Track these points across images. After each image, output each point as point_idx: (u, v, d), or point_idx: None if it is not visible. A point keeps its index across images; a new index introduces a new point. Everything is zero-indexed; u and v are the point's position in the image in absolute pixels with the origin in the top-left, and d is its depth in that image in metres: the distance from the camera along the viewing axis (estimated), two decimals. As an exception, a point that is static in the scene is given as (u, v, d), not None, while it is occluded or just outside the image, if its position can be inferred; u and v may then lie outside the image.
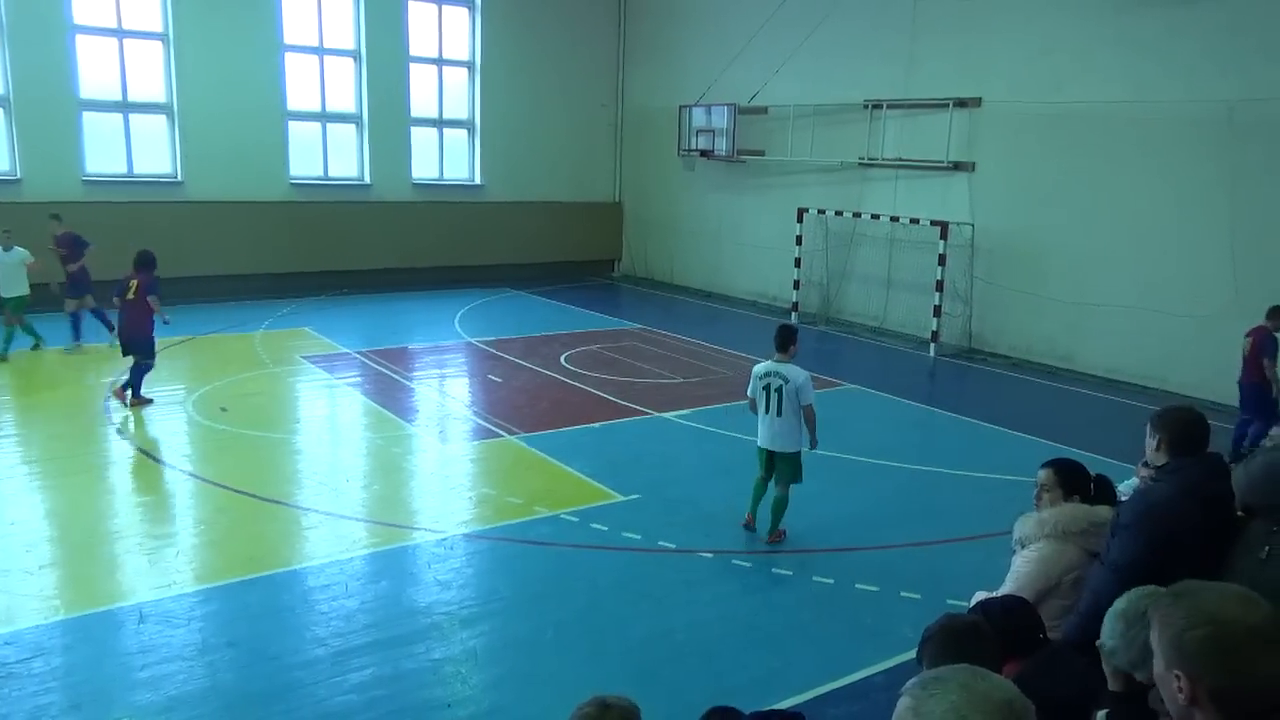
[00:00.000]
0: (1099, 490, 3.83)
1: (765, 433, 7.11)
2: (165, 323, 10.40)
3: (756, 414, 7.17)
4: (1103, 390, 12.29)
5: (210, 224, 16.49)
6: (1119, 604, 2.35)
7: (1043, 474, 3.91)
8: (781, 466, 7.08)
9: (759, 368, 7.18)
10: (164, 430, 9.66)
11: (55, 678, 5.13)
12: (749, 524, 7.33)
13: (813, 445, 7.15)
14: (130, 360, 10.14)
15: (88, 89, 15.70)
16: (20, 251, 12.13)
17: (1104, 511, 3.65)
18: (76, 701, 4.92)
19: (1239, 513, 3.24)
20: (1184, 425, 3.40)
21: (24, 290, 12.08)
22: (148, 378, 10.24)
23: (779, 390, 6.94)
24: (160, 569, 6.48)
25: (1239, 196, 11.33)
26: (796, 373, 6.98)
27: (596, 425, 10.11)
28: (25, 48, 14.93)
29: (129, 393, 10.03)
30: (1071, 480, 3.85)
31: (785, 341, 7.10)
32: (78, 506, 7.64)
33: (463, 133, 19.56)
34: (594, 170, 21.00)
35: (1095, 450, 8.16)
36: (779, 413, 6.97)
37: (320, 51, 17.63)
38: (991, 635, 2.77)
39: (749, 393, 7.24)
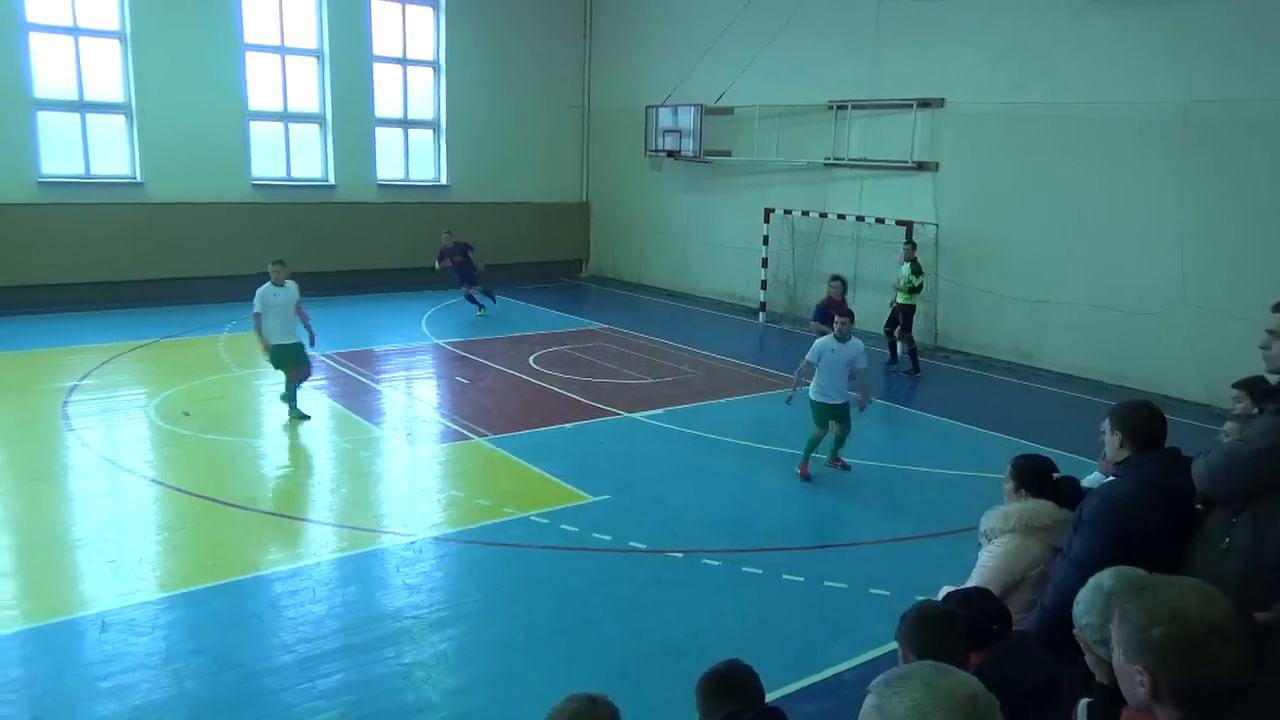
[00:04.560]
0: (1067, 490, 3.88)
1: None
2: None
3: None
4: (1063, 386, 12.49)
5: (171, 226, 16.23)
6: (1101, 585, 2.41)
7: (1010, 470, 3.98)
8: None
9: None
10: (126, 435, 9.50)
11: (15, 690, 5.02)
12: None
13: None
14: None
15: (42, 88, 15.39)
16: (294, 288, 9.86)
17: (1069, 510, 3.71)
18: (38, 714, 4.83)
19: (1198, 505, 3.30)
20: (1143, 420, 3.44)
21: (296, 337, 9.84)
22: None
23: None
24: (123, 576, 6.37)
25: (1189, 196, 11.57)
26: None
27: (565, 426, 10.09)
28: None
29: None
30: (1025, 477, 3.91)
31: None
32: (37, 513, 7.48)
33: (428, 133, 19.43)
34: (561, 170, 20.95)
35: (1058, 445, 8.28)
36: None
37: (282, 51, 17.43)
38: (963, 628, 2.84)
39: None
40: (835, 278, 11.21)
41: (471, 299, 16.21)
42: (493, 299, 16.39)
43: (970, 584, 3.68)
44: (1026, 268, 13.39)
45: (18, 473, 8.44)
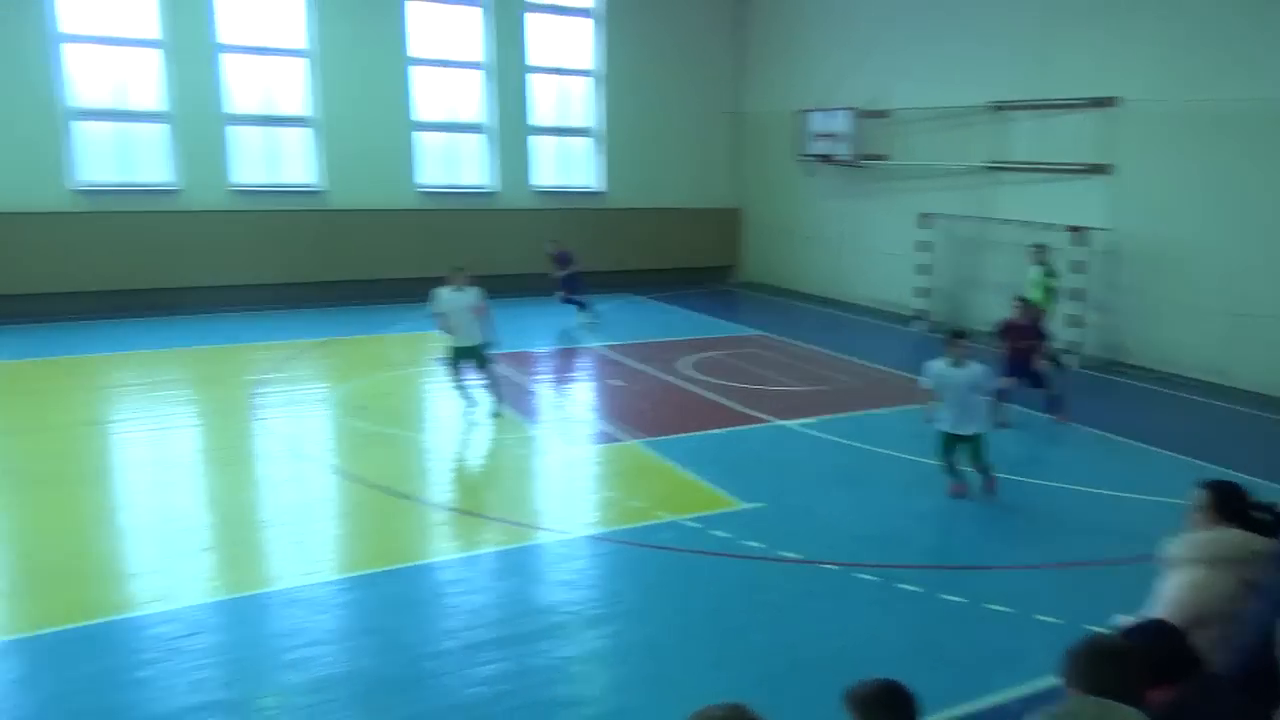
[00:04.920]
0: (1269, 520, 3.59)
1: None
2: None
3: None
4: (1260, 408, 11.49)
5: (347, 231, 17.33)
6: None
7: (1197, 494, 3.72)
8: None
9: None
10: (307, 426, 10.23)
11: (213, 654, 5.51)
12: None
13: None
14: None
15: (234, 104, 16.65)
16: (474, 292, 10.25)
17: (1267, 540, 3.44)
18: (231, 678, 5.27)
19: None
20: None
21: (477, 339, 10.22)
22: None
23: None
24: (307, 557, 6.87)
25: None
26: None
27: (717, 431, 10.12)
28: (181, 66, 16.02)
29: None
30: (1226, 503, 3.64)
31: None
32: (231, 495, 8.19)
33: (582, 140, 19.92)
34: (713, 176, 21.02)
35: (1251, 472, 7.65)
36: None
37: (446, 64, 18.29)
38: (1139, 663, 2.67)
39: None
40: (1018, 299, 10.74)
41: (573, 301, 16.19)
42: (584, 306, 16.17)
43: (1149, 616, 3.48)
44: (1218, 277, 12.40)
45: (214, 458, 9.24)
